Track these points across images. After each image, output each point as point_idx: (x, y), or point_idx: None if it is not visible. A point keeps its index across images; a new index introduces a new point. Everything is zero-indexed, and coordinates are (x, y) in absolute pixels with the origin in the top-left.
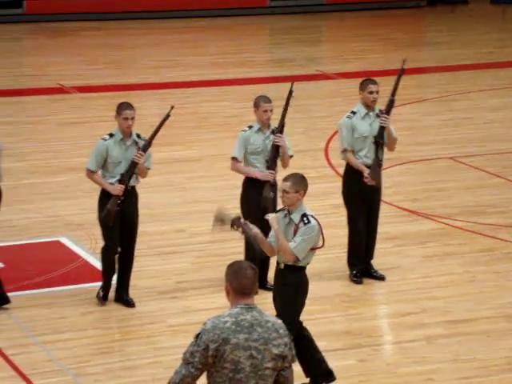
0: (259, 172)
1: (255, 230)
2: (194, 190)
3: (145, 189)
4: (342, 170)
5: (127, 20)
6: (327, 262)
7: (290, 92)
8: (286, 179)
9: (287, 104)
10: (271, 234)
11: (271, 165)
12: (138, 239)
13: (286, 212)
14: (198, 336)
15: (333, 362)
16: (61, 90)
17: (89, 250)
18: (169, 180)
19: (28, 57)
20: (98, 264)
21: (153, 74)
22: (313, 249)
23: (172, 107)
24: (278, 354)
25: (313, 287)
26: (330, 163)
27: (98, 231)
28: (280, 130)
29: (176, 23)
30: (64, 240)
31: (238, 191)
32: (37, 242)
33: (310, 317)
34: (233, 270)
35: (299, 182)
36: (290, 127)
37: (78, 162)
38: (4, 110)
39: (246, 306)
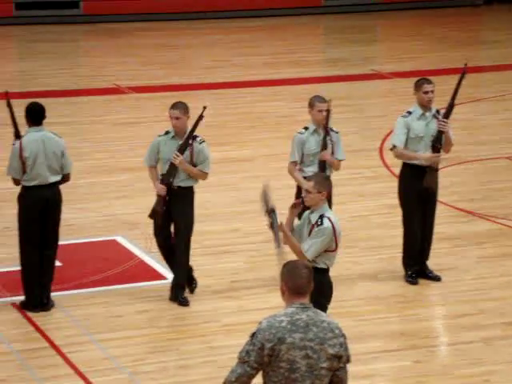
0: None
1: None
2: (247, 189)
3: (199, 189)
4: (397, 170)
5: (182, 20)
6: (382, 263)
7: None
8: (309, 179)
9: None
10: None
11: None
12: (193, 238)
13: (309, 212)
14: (253, 335)
15: (388, 363)
16: (117, 91)
17: (144, 249)
18: (222, 180)
19: (84, 57)
20: (153, 263)
21: (207, 74)
22: (327, 251)
23: (204, 108)
24: (334, 354)
25: (367, 288)
26: (384, 163)
27: (153, 230)
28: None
29: (230, 23)
30: (120, 239)
31: (290, 191)
32: (93, 241)
33: (366, 317)
34: (288, 269)
35: (322, 183)
36: (344, 127)
37: (134, 162)
38: (61, 110)
39: (301, 306)
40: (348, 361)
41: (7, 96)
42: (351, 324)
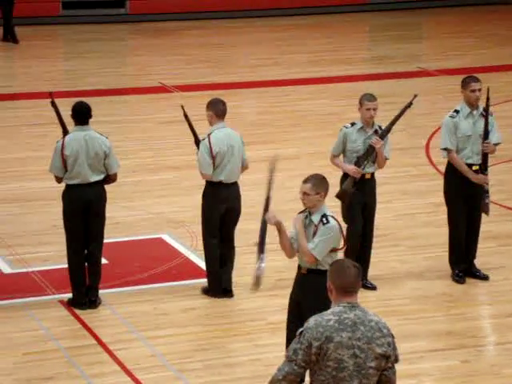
0: (352, 167)
1: (279, 219)
2: (292, 188)
3: (245, 187)
4: (443, 168)
5: (227, 19)
6: (428, 261)
7: (410, 103)
8: (306, 181)
9: (402, 113)
10: (293, 233)
11: (359, 162)
12: (237, 236)
13: (306, 213)
14: (301, 334)
15: (435, 362)
16: (162, 89)
17: (190, 247)
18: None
19: (130, 56)
20: (198, 261)
21: (252, 72)
22: (333, 250)
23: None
24: (382, 354)
25: (414, 286)
26: (430, 161)
27: (198, 228)
28: (383, 134)
29: (276, 21)
30: (166, 237)
31: (335, 189)
32: (139, 238)
33: (412, 316)
34: (335, 268)
35: (320, 184)
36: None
37: (180, 160)
38: (107, 108)
39: (348, 305)
40: (396, 360)
41: (51, 96)
42: (397, 323)
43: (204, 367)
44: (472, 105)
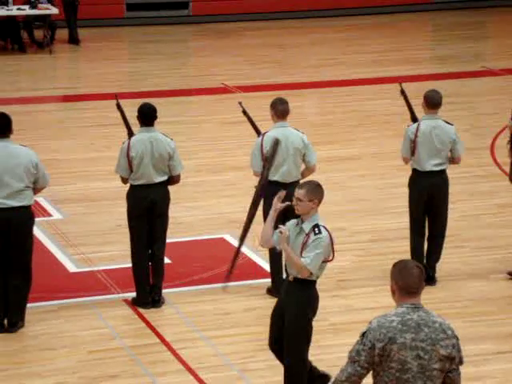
0: None
1: (280, 205)
2: (354, 188)
3: None
4: (508, 169)
5: (290, 19)
6: (493, 263)
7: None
8: (300, 187)
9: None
10: (277, 231)
11: None
12: None
13: (298, 220)
14: (364, 334)
15: (500, 365)
16: (225, 90)
17: (252, 247)
18: (329, 178)
19: (193, 57)
20: (260, 261)
21: (314, 72)
22: (324, 261)
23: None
24: (446, 356)
25: (478, 288)
26: (496, 161)
27: (260, 229)
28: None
29: (338, 21)
30: (228, 237)
31: (398, 190)
32: (202, 238)
33: (476, 318)
34: (398, 268)
35: (313, 191)
36: (455, 125)
37: (242, 161)
38: (170, 109)
39: (412, 306)
40: (461, 362)
41: (116, 98)
42: (462, 325)
43: (267, 367)
44: None
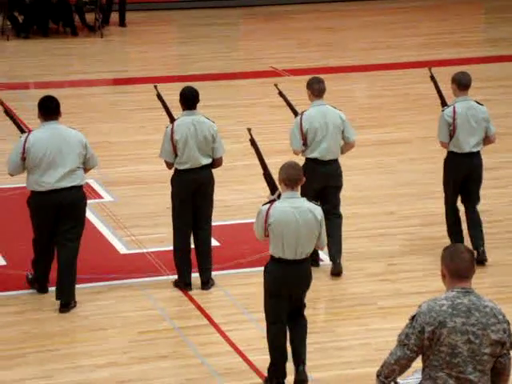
0: None
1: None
2: (403, 172)
3: (356, 171)
4: None
5: (339, 2)
6: None
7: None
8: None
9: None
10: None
11: None
12: (347, 221)
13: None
14: (413, 318)
15: None
16: (273, 73)
17: None
18: (379, 162)
19: (242, 41)
20: None
21: (364, 55)
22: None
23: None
24: (497, 340)
25: None
26: None
27: None
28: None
29: (388, 4)
30: None
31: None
32: (250, 221)
33: None
34: (449, 252)
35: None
36: (504, 108)
37: (288, 145)
38: (219, 93)
39: (462, 290)
40: None
41: (156, 89)
42: None
43: (314, 350)
44: None
